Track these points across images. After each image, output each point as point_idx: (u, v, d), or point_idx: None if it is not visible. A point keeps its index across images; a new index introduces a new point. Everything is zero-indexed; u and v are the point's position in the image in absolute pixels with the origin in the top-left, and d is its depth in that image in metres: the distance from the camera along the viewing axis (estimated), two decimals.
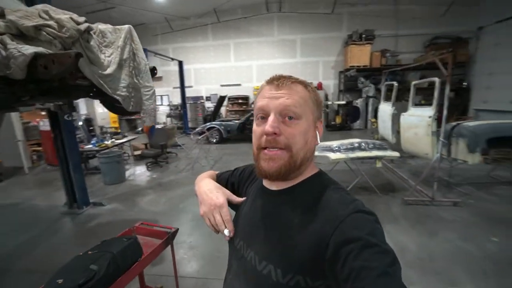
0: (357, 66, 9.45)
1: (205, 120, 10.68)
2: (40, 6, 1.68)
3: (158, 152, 5.79)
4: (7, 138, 5.44)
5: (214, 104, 11.00)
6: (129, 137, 6.40)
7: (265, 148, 0.61)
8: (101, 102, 2.66)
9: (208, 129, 8.06)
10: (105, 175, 4.80)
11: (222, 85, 11.44)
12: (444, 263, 2.45)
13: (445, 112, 3.33)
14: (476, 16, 9.02)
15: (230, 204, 0.75)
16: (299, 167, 0.62)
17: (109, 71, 1.90)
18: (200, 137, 6.45)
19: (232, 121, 8.52)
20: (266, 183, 0.71)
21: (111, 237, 1.65)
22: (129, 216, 3.65)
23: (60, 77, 1.48)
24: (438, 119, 3.55)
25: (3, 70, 1.41)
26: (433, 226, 3.09)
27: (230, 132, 8.19)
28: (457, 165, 4.50)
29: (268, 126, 0.58)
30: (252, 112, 9.21)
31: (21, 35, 1.53)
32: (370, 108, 9.32)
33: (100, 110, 9.94)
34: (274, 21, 10.74)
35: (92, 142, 5.24)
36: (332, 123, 10.00)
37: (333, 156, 3.70)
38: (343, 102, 9.86)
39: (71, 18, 1.59)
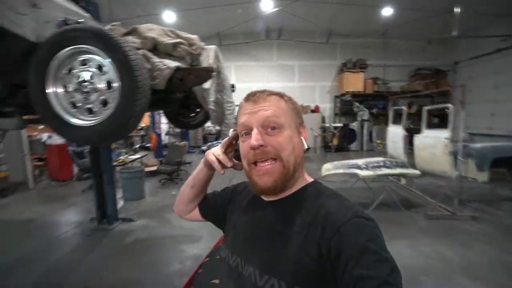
0: (352, 91, 10.23)
1: (205, 139, 10.72)
2: (158, 26, 1.82)
3: (174, 169, 5.73)
4: (14, 151, 5.13)
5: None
6: (141, 154, 6.28)
7: (255, 163, 0.60)
8: (165, 115, 2.74)
9: None
10: (126, 190, 4.66)
11: None
12: (486, 270, 2.69)
13: (461, 134, 3.76)
14: (452, 53, 10.38)
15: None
16: (293, 174, 0.61)
17: (206, 85, 2.04)
18: None
19: None
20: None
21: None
22: (165, 233, 3.55)
23: (189, 88, 1.60)
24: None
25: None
26: (462, 237, 3.37)
27: None
28: (464, 184, 4.96)
29: (253, 140, 0.58)
30: None
31: (153, 50, 1.66)
32: (365, 131, 9.96)
33: None
34: (273, 47, 11.42)
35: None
36: (330, 144, 10.47)
37: (361, 173, 3.93)
38: (341, 125, 10.44)
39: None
